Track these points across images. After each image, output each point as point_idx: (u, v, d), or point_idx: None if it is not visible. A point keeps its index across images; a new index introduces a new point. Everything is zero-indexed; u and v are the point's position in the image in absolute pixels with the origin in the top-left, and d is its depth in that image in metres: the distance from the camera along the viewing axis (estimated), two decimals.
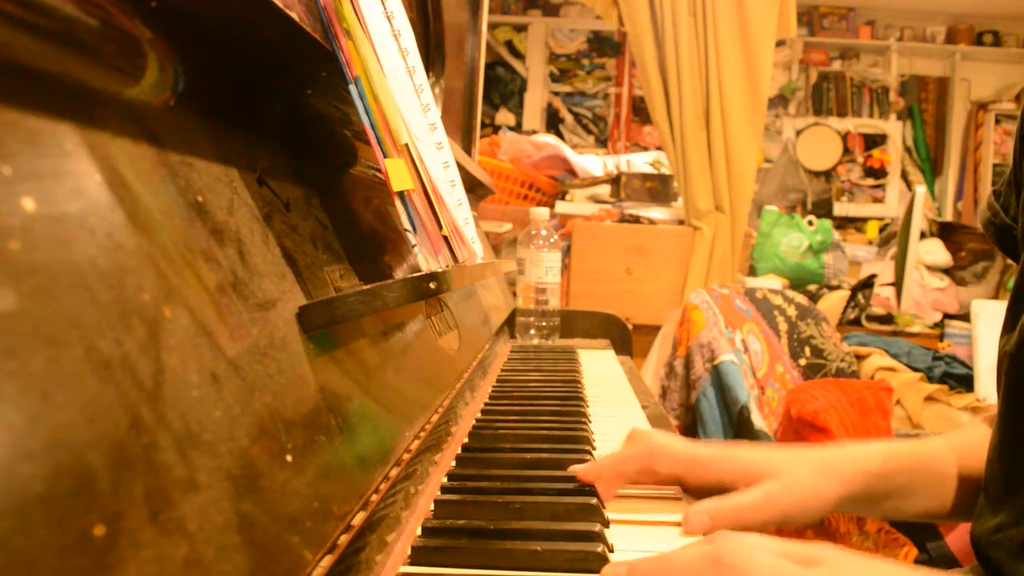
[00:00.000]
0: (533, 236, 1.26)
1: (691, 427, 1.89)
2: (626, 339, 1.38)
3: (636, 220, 2.62)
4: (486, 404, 0.79)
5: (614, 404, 0.88)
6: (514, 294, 1.34)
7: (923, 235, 3.51)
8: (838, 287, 2.96)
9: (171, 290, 0.29)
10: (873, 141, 5.12)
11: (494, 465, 0.59)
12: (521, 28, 5.20)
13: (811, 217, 3.14)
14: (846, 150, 5.03)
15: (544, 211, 1.28)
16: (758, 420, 1.76)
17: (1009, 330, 0.59)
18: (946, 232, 3.74)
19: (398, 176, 0.49)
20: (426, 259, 0.51)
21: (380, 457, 0.44)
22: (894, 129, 5.13)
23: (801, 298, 2.22)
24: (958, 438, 0.68)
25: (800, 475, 0.54)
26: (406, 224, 0.50)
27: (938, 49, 5.15)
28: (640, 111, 4.98)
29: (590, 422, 0.74)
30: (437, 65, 1.30)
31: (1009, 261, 3.50)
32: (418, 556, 0.43)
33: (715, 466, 0.54)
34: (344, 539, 0.37)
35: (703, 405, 1.85)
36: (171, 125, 0.35)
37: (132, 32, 0.33)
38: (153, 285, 0.28)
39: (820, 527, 1.60)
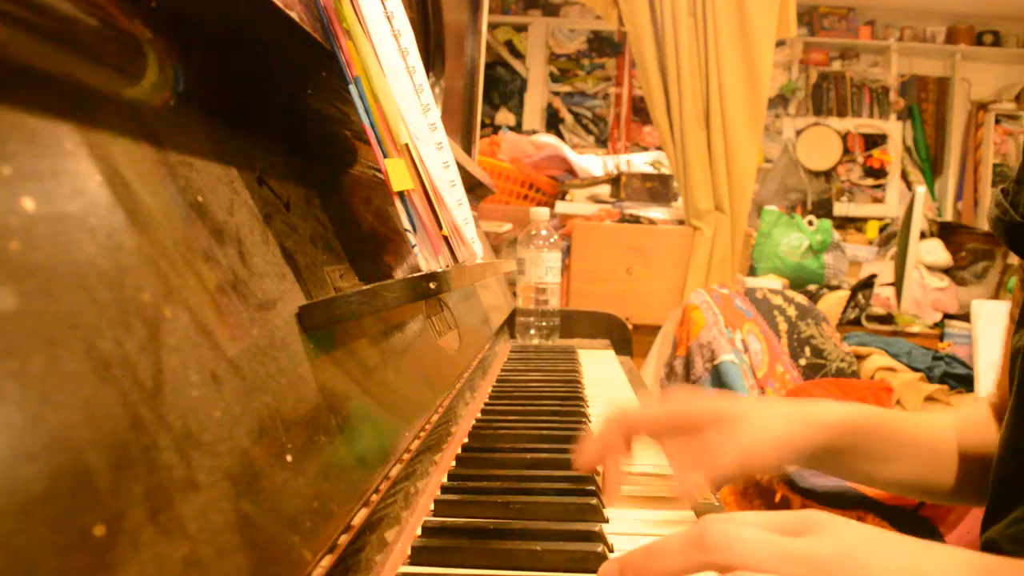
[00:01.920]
0: (533, 236, 1.26)
1: None
2: (626, 339, 1.38)
3: (636, 220, 2.62)
4: (486, 404, 0.79)
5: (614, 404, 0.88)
6: (514, 294, 1.34)
7: (923, 235, 3.51)
8: (838, 287, 2.96)
9: (171, 290, 0.29)
10: (873, 141, 5.12)
11: (494, 465, 0.59)
12: (521, 28, 5.20)
13: (811, 217, 3.14)
14: (846, 150, 5.03)
15: (544, 211, 1.28)
16: None
17: (1023, 326, 0.59)
18: (946, 232, 3.74)
19: (398, 176, 0.49)
20: (426, 259, 0.51)
21: (380, 457, 0.44)
22: (894, 129, 5.13)
23: (801, 298, 2.22)
24: (963, 415, 0.69)
25: (766, 421, 0.55)
26: (406, 224, 0.50)
27: (938, 49, 5.15)
28: (640, 111, 4.98)
29: (590, 422, 0.74)
30: (437, 65, 1.30)
31: (1010, 261, 3.50)
32: (418, 556, 0.43)
33: (691, 414, 0.55)
34: (344, 539, 0.37)
35: None
36: (171, 125, 0.35)
37: (132, 32, 0.33)
38: (153, 285, 0.28)
39: None
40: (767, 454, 0.54)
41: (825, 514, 0.38)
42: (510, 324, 1.32)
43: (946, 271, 3.63)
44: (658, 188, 2.76)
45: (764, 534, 0.36)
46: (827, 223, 3.14)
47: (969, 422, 0.68)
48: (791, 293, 2.27)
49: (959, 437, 0.66)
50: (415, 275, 0.44)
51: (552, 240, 1.26)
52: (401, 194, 0.50)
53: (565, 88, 5.21)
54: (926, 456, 0.65)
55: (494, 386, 0.89)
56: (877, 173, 5.09)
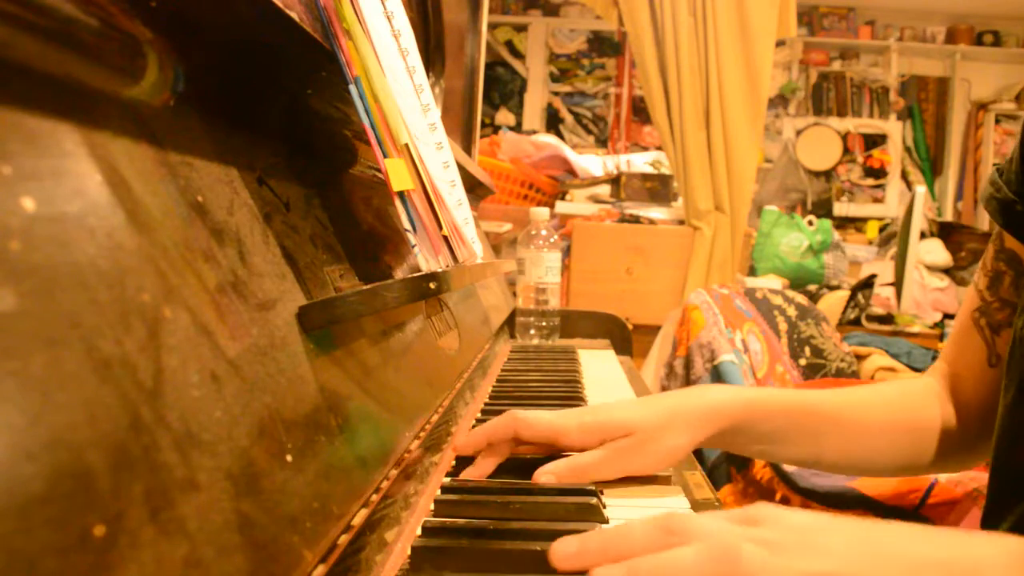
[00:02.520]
0: (533, 236, 1.26)
1: None
2: (626, 339, 1.38)
3: (636, 220, 2.62)
4: (486, 404, 0.79)
5: None
6: (514, 294, 1.34)
7: (923, 235, 3.51)
8: (838, 287, 2.96)
9: (171, 290, 0.29)
10: (873, 141, 5.12)
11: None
12: (521, 28, 5.20)
13: (811, 217, 3.14)
14: (846, 150, 5.03)
15: (544, 211, 1.28)
16: None
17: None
18: (946, 232, 3.74)
19: (398, 176, 0.49)
20: (426, 259, 0.51)
21: (380, 457, 0.44)
22: (894, 129, 5.13)
23: (801, 298, 2.22)
24: (896, 390, 0.71)
25: (653, 429, 0.58)
26: (406, 224, 0.50)
27: (938, 49, 5.15)
28: (640, 111, 4.98)
29: None
30: (437, 65, 1.30)
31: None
32: (418, 556, 0.43)
33: (576, 437, 0.57)
34: (344, 539, 0.37)
35: None
36: (171, 125, 0.35)
37: (132, 32, 0.33)
38: (153, 285, 0.28)
39: None
40: (655, 467, 0.58)
41: (769, 506, 0.38)
42: (510, 324, 1.32)
43: (946, 271, 3.63)
44: (658, 188, 2.77)
45: (724, 523, 0.36)
46: (827, 223, 3.14)
47: (916, 395, 0.69)
48: (791, 293, 2.27)
49: (905, 411, 0.68)
50: (415, 275, 0.44)
51: (552, 240, 1.26)
52: (401, 194, 0.50)
53: (565, 88, 5.21)
54: (837, 432, 0.66)
55: (494, 386, 0.89)
56: (877, 173, 5.09)
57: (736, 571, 0.33)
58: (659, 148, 3.35)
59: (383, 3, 0.56)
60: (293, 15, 0.41)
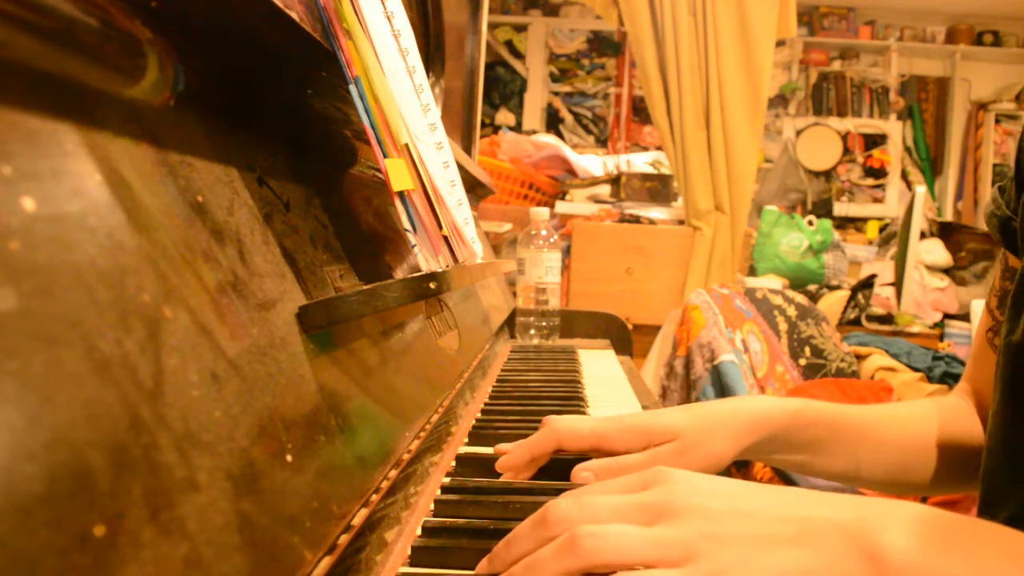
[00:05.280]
0: (533, 236, 1.26)
1: None
2: (626, 339, 1.38)
3: (636, 220, 2.62)
4: (486, 404, 0.79)
5: (614, 404, 0.88)
6: (514, 294, 1.34)
7: (923, 235, 3.51)
8: (838, 287, 2.96)
9: (171, 290, 0.29)
10: (873, 141, 5.12)
11: (494, 465, 0.59)
12: (521, 28, 5.20)
13: (811, 217, 3.14)
14: (846, 150, 5.03)
15: (544, 211, 1.28)
16: None
17: (1014, 320, 0.59)
18: (946, 232, 3.74)
19: (398, 176, 0.49)
20: (426, 259, 0.51)
21: (380, 457, 0.44)
22: (894, 129, 5.13)
23: (801, 298, 2.22)
24: (945, 404, 0.71)
25: (697, 434, 0.57)
26: (406, 224, 0.50)
27: (938, 49, 5.15)
28: (640, 111, 4.98)
29: None
30: (437, 65, 1.30)
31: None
32: (418, 556, 0.43)
33: (620, 440, 0.56)
34: (344, 539, 0.37)
35: None
36: (171, 125, 0.35)
37: (132, 32, 0.33)
38: (153, 285, 0.28)
39: None
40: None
41: (670, 469, 0.39)
42: (510, 324, 1.32)
43: (946, 271, 3.63)
44: (658, 188, 2.77)
45: (631, 528, 0.36)
46: (827, 223, 3.14)
47: (951, 412, 0.69)
48: (791, 293, 2.27)
49: (941, 428, 0.67)
50: (415, 275, 0.44)
51: (552, 240, 1.26)
52: (401, 194, 0.50)
53: (565, 88, 5.21)
54: (868, 447, 0.66)
55: (494, 386, 0.89)
56: (877, 173, 5.09)
57: None
58: (659, 148, 3.35)
59: (383, 3, 0.56)
60: (293, 15, 0.41)
